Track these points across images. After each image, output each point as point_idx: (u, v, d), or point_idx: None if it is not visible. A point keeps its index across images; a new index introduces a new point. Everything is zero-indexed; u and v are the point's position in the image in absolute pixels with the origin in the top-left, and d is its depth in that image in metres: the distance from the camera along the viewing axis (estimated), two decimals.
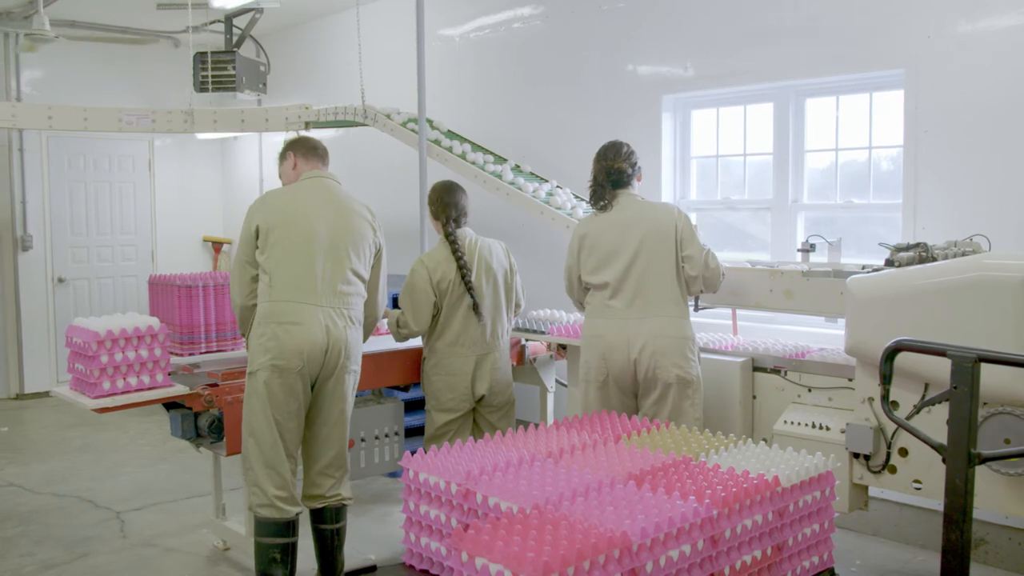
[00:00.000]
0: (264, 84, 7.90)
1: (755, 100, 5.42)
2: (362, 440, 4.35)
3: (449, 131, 6.10)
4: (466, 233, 4.29)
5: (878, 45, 4.65)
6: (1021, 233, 4.09)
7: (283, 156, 3.97)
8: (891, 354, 2.44)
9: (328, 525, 3.76)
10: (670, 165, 5.77)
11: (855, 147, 5.03)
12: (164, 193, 9.12)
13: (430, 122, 6.10)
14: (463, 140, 5.93)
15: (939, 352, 2.28)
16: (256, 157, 9.23)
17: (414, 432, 5.73)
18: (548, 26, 6.33)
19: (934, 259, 3.52)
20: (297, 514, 3.59)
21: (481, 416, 4.33)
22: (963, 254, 3.54)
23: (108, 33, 8.58)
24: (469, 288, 4.15)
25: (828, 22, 4.84)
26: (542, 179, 5.59)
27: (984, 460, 2.20)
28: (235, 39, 7.75)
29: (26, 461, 6.22)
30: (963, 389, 2.16)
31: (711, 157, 5.71)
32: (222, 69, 7.46)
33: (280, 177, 4.00)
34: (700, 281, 3.93)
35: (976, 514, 4.14)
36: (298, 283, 3.56)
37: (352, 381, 3.73)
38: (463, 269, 4.16)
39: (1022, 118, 4.19)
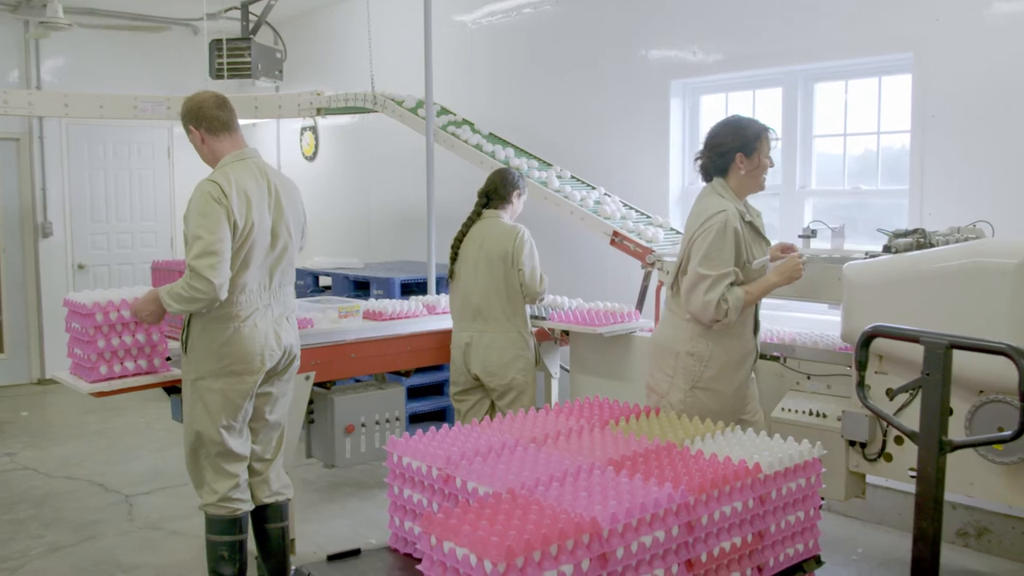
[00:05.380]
0: (280, 71, 7.90)
1: (764, 85, 5.36)
2: (362, 425, 4.38)
3: (491, 134, 6.07)
4: (493, 213, 4.45)
5: (886, 28, 4.58)
6: None
7: (185, 128, 3.54)
8: (867, 340, 2.41)
9: (277, 524, 3.68)
10: (679, 151, 5.72)
11: (863, 132, 4.96)
12: (183, 180, 9.17)
13: (471, 125, 6.11)
14: (506, 144, 5.89)
15: (912, 338, 2.24)
16: (274, 144, 9.29)
17: (419, 418, 5.77)
18: (558, 11, 6.30)
19: (932, 245, 3.46)
20: (247, 511, 3.54)
21: (494, 400, 4.39)
22: (965, 240, 3.49)
23: (126, 20, 8.65)
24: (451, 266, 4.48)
25: (836, 5, 4.77)
26: (591, 186, 5.56)
27: (956, 447, 2.16)
28: (251, 26, 7.77)
29: (43, 445, 6.33)
30: (935, 376, 2.12)
31: None
32: (238, 56, 7.47)
33: (192, 145, 3.59)
34: None
35: (979, 503, 4.12)
36: (252, 283, 3.41)
37: (293, 374, 3.70)
38: (452, 249, 4.46)
39: None
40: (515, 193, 4.49)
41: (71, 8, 7.67)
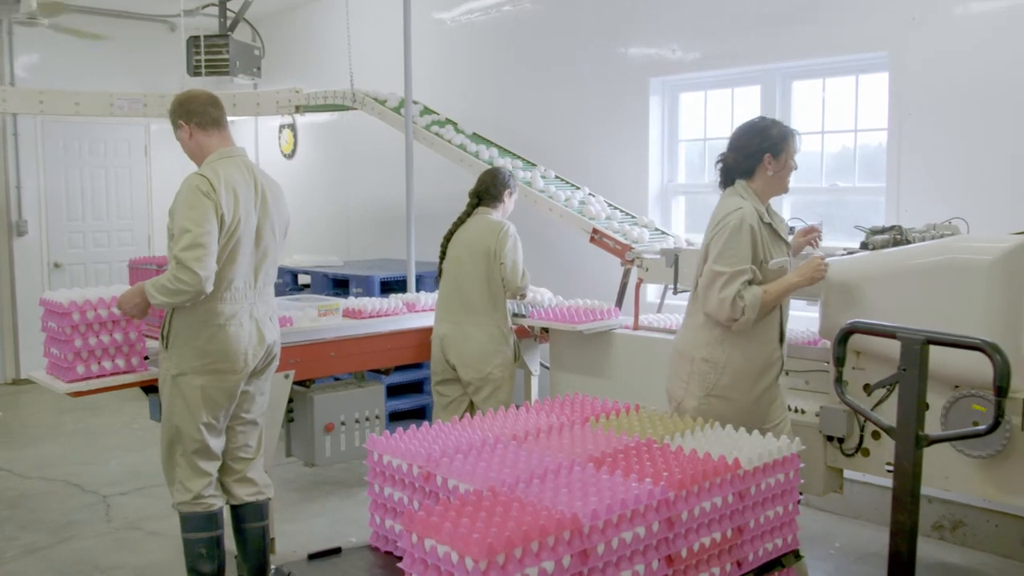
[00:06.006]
0: (258, 68, 7.84)
1: (742, 83, 5.39)
2: (342, 424, 4.36)
3: (475, 134, 6.05)
4: (483, 211, 4.48)
5: (863, 27, 4.62)
6: (1001, 216, 4.06)
7: (174, 123, 3.52)
8: (844, 337, 2.43)
9: (257, 523, 3.66)
10: (658, 149, 5.75)
11: (840, 130, 5.00)
12: (160, 177, 9.11)
13: (454, 124, 6.09)
14: (490, 144, 5.87)
15: (889, 334, 2.27)
16: (252, 141, 9.24)
17: (399, 416, 5.77)
18: (537, 9, 6.30)
19: (909, 242, 3.50)
20: (221, 506, 3.52)
21: (470, 395, 4.40)
22: (941, 237, 3.53)
23: (103, 17, 8.57)
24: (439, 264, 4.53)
25: (814, 4, 4.80)
26: (575, 186, 5.56)
27: (932, 442, 2.19)
28: (229, 23, 7.72)
29: (18, 446, 6.26)
30: (912, 371, 2.15)
31: (699, 140, 5.69)
32: (216, 53, 7.40)
33: (178, 140, 3.57)
34: None
35: (954, 496, 4.16)
36: (237, 282, 3.40)
37: (271, 373, 3.69)
38: (441, 247, 4.48)
39: (1004, 101, 4.17)
40: (507, 192, 4.52)
41: (47, 4, 7.58)
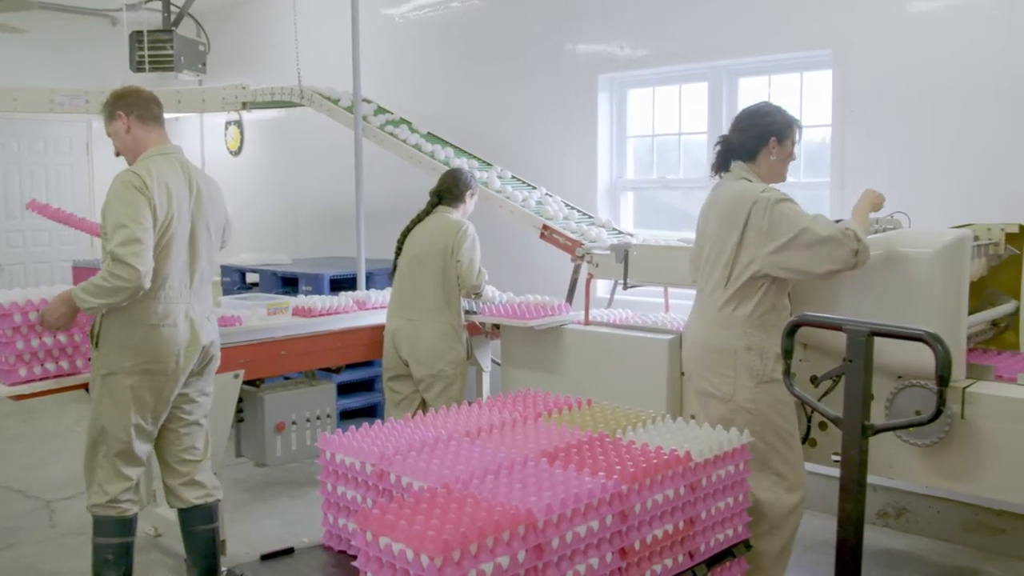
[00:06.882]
0: (204, 64, 7.71)
1: (690, 80, 5.45)
2: (293, 423, 4.33)
3: (429, 133, 6.02)
4: (444, 210, 4.49)
5: (807, 25, 4.70)
6: (942, 210, 4.16)
7: (111, 114, 3.42)
8: (792, 329, 2.47)
9: (207, 525, 3.58)
10: (607, 145, 5.79)
11: None
12: (103, 176, 8.91)
13: (408, 124, 6.05)
14: (445, 144, 5.83)
15: (835, 327, 2.31)
16: (197, 138, 9.10)
17: (350, 415, 5.73)
18: (485, 5, 6.30)
19: None
20: (136, 513, 3.43)
21: (421, 392, 4.40)
22: (884, 231, 3.60)
23: (43, 11, 8.35)
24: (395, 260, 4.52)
25: (759, 2, 4.87)
26: (531, 186, 5.56)
27: (877, 431, 2.24)
28: (173, 18, 7.58)
29: None
30: (858, 362, 2.19)
31: (647, 136, 5.74)
32: (160, 49, 7.26)
33: (110, 136, 3.47)
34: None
35: (896, 484, 4.26)
36: (172, 280, 3.32)
37: (211, 373, 3.62)
38: (398, 243, 4.50)
39: (945, 98, 4.27)
40: (468, 192, 4.55)
41: None
